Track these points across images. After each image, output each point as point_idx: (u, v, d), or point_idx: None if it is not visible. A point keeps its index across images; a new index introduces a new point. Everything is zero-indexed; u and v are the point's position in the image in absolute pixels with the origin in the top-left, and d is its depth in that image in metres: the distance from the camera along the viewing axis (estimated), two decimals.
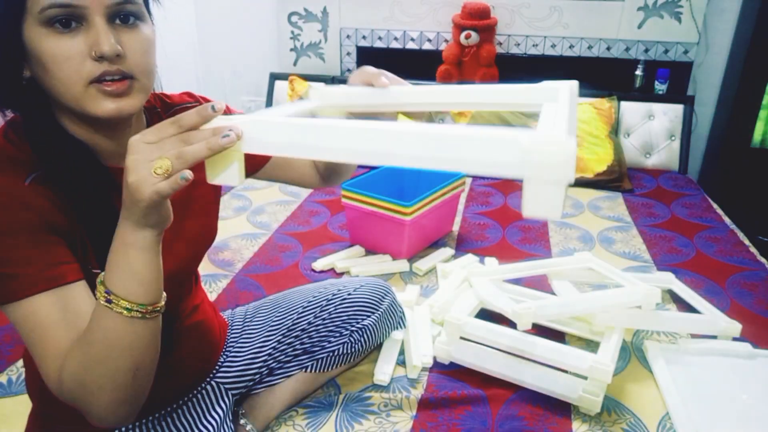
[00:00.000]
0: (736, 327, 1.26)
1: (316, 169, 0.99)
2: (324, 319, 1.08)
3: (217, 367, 1.00)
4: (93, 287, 0.67)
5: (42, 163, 0.66)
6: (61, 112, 0.69)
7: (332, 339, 1.07)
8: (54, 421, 0.82)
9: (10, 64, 0.65)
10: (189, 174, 0.56)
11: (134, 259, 0.61)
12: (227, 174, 0.62)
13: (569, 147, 0.48)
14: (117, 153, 0.73)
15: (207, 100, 0.88)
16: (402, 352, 1.20)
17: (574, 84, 0.71)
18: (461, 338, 1.17)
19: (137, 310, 0.61)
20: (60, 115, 0.69)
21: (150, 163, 0.56)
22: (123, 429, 0.84)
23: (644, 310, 1.20)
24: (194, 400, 0.94)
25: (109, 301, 0.61)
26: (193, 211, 0.84)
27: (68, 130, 0.69)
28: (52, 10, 0.60)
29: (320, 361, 1.07)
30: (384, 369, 1.13)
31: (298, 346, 1.07)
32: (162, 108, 0.84)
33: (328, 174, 1.00)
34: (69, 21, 0.62)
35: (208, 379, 0.98)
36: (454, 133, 0.52)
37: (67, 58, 0.62)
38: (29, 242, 0.64)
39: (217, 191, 0.91)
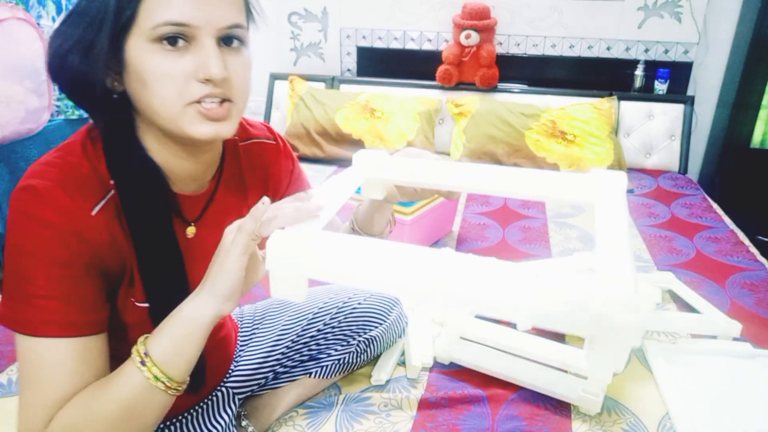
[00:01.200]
0: (736, 327, 1.26)
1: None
2: (333, 328, 1.07)
3: (228, 374, 1.00)
4: (131, 316, 0.68)
5: (114, 185, 0.65)
6: (145, 128, 0.67)
7: (339, 347, 1.08)
8: None
9: (105, 75, 0.63)
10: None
11: (189, 337, 0.62)
12: (293, 290, 0.61)
13: (641, 315, 0.46)
14: (189, 176, 0.72)
15: (282, 139, 0.90)
16: (402, 352, 1.20)
17: (622, 177, 0.70)
18: (461, 338, 1.17)
19: (163, 382, 0.61)
20: (143, 132, 0.68)
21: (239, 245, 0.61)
22: None
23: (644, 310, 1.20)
24: (204, 405, 0.94)
25: (142, 363, 0.61)
26: None
27: (146, 148, 0.68)
28: (165, 28, 0.59)
29: (325, 367, 1.07)
30: (383, 370, 1.13)
31: (305, 353, 1.07)
32: (240, 136, 0.83)
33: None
34: (176, 39, 0.60)
35: (219, 386, 0.98)
36: (523, 297, 0.52)
37: (171, 77, 0.61)
38: (75, 280, 0.62)
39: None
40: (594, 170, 0.72)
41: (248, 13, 0.68)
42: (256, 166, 0.83)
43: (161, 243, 0.68)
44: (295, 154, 0.93)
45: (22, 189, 0.61)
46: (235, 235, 0.60)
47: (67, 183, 0.62)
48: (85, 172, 0.64)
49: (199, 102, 0.62)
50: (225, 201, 0.78)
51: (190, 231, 0.74)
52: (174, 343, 0.61)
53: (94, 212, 0.63)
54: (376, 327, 1.10)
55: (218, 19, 0.61)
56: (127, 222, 0.66)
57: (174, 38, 0.60)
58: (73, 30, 0.61)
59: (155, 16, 0.59)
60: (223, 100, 0.64)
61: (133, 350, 0.62)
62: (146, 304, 0.69)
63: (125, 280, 0.68)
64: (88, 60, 0.61)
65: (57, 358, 0.61)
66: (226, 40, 0.64)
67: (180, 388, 0.63)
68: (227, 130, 0.65)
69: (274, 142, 0.88)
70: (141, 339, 0.63)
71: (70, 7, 0.62)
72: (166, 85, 0.61)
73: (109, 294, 0.68)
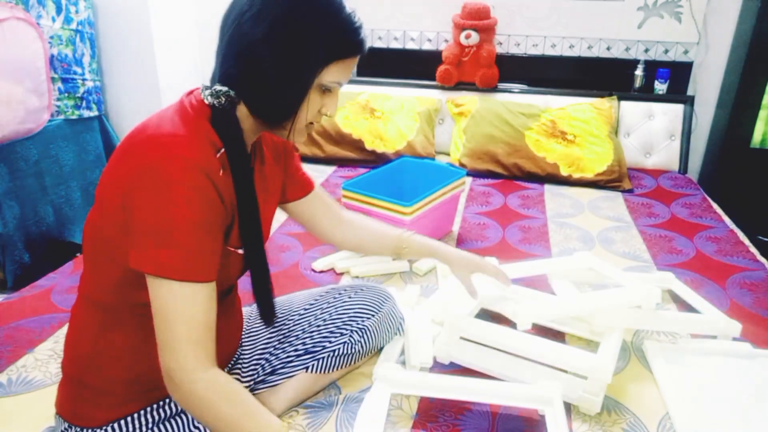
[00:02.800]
0: (736, 327, 1.26)
1: (340, 233, 1.14)
2: (325, 320, 1.10)
3: (237, 355, 1.04)
4: (222, 257, 0.80)
5: (227, 152, 0.79)
6: (243, 113, 0.83)
7: (333, 339, 1.08)
8: (83, 389, 0.86)
9: (294, 98, 0.81)
10: None
11: None
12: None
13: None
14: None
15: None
16: (402, 353, 1.20)
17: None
18: (461, 338, 1.17)
19: None
20: (240, 114, 0.83)
21: None
22: (150, 420, 0.87)
23: (644, 310, 1.20)
24: None
25: None
26: (268, 205, 0.97)
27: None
28: (331, 84, 0.82)
29: (321, 360, 1.07)
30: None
31: (299, 347, 1.08)
32: None
33: (350, 244, 1.16)
34: (329, 90, 0.83)
35: (227, 369, 1.00)
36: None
37: (315, 109, 0.83)
38: (212, 233, 0.76)
39: (276, 198, 1.03)
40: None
41: None
42: (267, 141, 0.99)
43: (253, 198, 0.83)
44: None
45: (171, 158, 0.72)
46: None
47: (201, 148, 0.76)
48: (201, 136, 0.78)
49: (312, 124, 0.86)
50: (257, 168, 0.93)
51: None
52: None
53: (221, 173, 0.77)
54: (369, 318, 1.12)
55: (350, 75, 0.85)
56: (234, 179, 0.80)
57: (330, 89, 0.83)
58: (286, 58, 0.78)
59: (330, 78, 0.81)
60: None
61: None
62: (239, 250, 0.85)
63: (230, 226, 0.81)
64: (289, 77, 0.79)
65: (197, 301, 0.74)
66: None
67: None
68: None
69: None
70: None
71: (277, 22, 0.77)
72: (310, 113, 0.83)
73: None
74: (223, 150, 0.79)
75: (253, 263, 0.86)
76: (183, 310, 0.73)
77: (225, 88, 0.80)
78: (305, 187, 1.08)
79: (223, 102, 0.80)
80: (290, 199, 1.07)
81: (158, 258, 0.72)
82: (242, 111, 0.83)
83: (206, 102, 0.81)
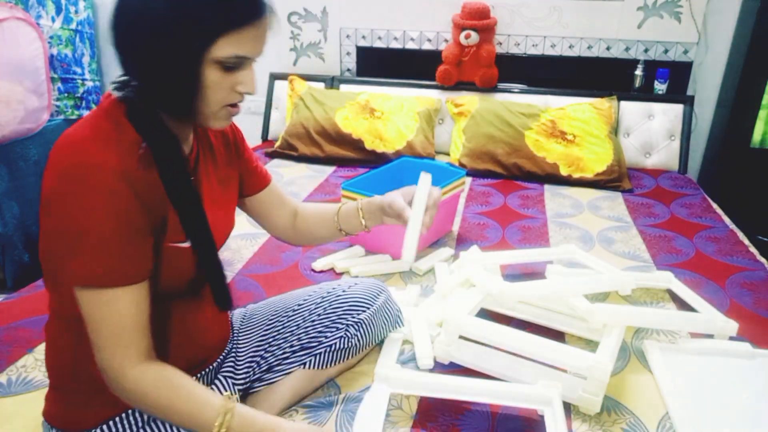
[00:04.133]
0: (732, 326, 1.26)
1: (293, 226, 1.13)
2: (319, 315, 1.09)
3: (225, 353, 1.03)
4: (167, 255, 0.80)
5: (145, 146, 0.76)
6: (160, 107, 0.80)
7: (329, 334, 1.08)
8: (73, 398, 0.86)
9: (184, 80, 0.75)
10: None
11: None
12: None
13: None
14: (184, 141, 0.86)
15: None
16: (402, 353, 1.20)
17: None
18: (461, 338, 1.17)
19: None
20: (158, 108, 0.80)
21: None
22: (138, 420, 0.86)
23: (642, 309, 1.20)
24: None
25: (220, 428, 0.77)
26: (221, 202, 0.95)
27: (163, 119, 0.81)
28: (231, 59, 0.75)
29: (318, 356, 1.07)
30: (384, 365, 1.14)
31: (294, 343, 1.08)
32: None
33: (302, 235, 1.14)
34: (234, 66, 0.77)
35: (215, 369, 1.00)
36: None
37: (222, 89, 0.77)
38: (128, 236, 0.74)
39: (235, 190, 1.02)
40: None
41: None
42: (218, 132, 0.98)
43: (189, 188, 0.81)
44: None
45: (79, 164, 0.70)
46: None
47: (114, 149, 0.73)
48: (116, 137, 0.75)
49: (230, 105, 0.80)
50: (204, 160, 0.92)
51: None
52: None
53: (139, 170, 0.74)
54: (364, 311, 1.11)
55: (262, 51, 0.79)
56: (161, 172, 0.77)
57: (234, 66, 0.76)
58: (161, 53, 0.73)
59: (227, 50, 0.74)
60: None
61: (221, 414, 0.77)
62: (184, 244, 0.82)
63: (161, 227, 0.79)
64: (171, 75, 0.74)
65: (120, 305, 0.74)
66: None
67: None
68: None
69: None
70: (229, 406, 0.78)
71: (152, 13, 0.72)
72: (216, 95, 0.77)
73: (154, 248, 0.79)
74: (144, 145, 0.76)
75: (200, 255, 0.84)
76: (106, 315, 0.74)
77: (126, 78, 0.78)
78: (262, 180, 1.07)
79: (129, 94, 0.77)
80: (247, 194, 1.06)
81: (73, 269, 0.72)
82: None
83: (116, 96, 0.78)
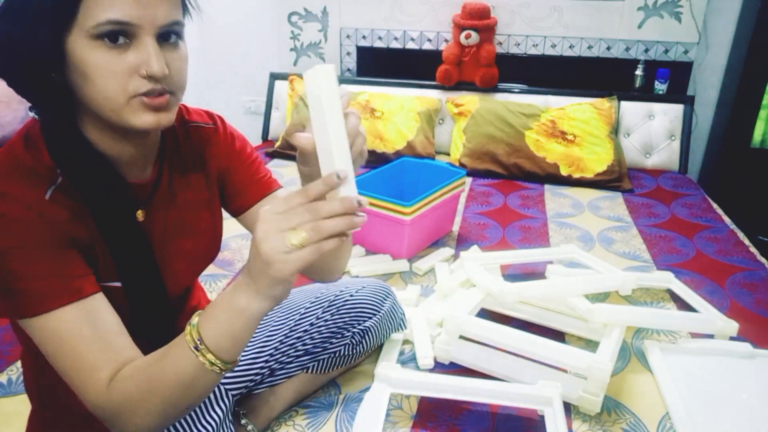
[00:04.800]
0: (733, 326, 1.26)
1: None
2: (326, 321, 1.07)
3: None
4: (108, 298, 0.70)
5: (62, 172, 0.67)
6: (86, 119, 0.69)
7: (334, 340, 1.07)
8: (53, 423, 0.83)
9: (44, 69, 0.64)
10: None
11: (240, 325, 0.63)
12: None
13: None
14: (130, 162, 0.75)
15: (223, 121, 0.91)
16: (402, 353, 1.20)
17: None
18: (461, 338, 1.17)
19: (219, 366, 0.64)
20: (84, 123, 0.70)
21: (283, 233, 0.57)
22: None
23: (642, 308, 1.20)
24: None
25: (197, 348, 0.63)
26: (194, 231, 0.85)
27: (89, 138, 0.70)
28: (106, 26, 0.61)
29: (321, 362, 1.07)
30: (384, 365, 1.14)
31: (299, 347, 1.06)
32: (178, 122, 0.84)
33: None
34: (117, 37, 0.62)
35: None
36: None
37: (114, 73, 0.63)
38: (48, 257, 0.65)
39: (218, 213, 0.91)
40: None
41: (185, 8, 0.71)
42: (195, 150, 0.86)
43: (124, 227, 0.72)
44: (240, 134, 0.94)
45: None
46: (296, 251, 0.58)
47: (15, 174, 0.65)
48: (28, 164, 0.66)
49: (143, 95, 0.65)
50: (171, 185, 0.81)
51: (140, 214, 0.77)
52: (229, 333, 0.63)
53: (47, 196, 0.66)
54: (370, 318, 1.10)
55: (158, 17, 0.64)
56: (86, 203, 0.68)
57: (115, 36, 0.62)
58: (12, 25, 0.62)
59: (96, 15, 0.60)
60: (164, 92, 0.66)
61: (186, 335, 0.64)
62: (117, 283, 0.73)
63: (96, 256, 0.71)
64: (29, 53, 0.63)
65: (68, 326, 0.65)
66: (165, 36, 0.66)
67: (232, 367, 0.66)
68: (168, 119, 0.68)
69: (212, 126, 0.88)
70: (194, 321, 0.64)
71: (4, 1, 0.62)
72: (110, 81, 0.63)
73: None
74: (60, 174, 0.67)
75: (134, 295, 0.73)
76: (58, 343, 0.65)
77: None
78: (263, 189, 0.91)
79: (44, 112, 0.68)
80: (246, 204, 0.91)
81: (4, 306, 0.66)
82: (86, 118, 0.69)
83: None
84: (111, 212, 0.71)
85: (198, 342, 0.63)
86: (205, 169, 0.87)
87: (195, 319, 0.65)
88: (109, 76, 0.63)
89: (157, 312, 0.79)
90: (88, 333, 0.65)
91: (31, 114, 0.70)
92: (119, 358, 0.67)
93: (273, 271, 0.58)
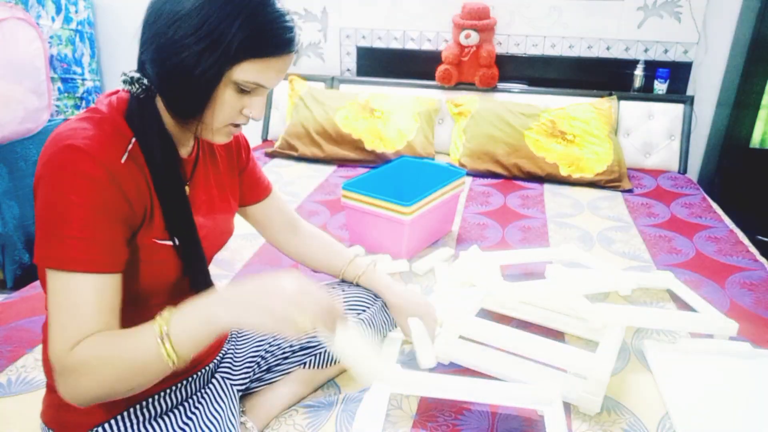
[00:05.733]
0: (732, 326, 1.26)
1: (290, 242, 1.18)
2: None
3: (222, 354, 1.02)
4: (150, 251, 0.80)
5: (136, 141, 0.77)
6: (162, 107, 0.81)
7: None
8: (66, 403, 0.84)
9: (200, 91, 0.76)
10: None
11: (207, 334, 0.72)
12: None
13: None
14: (184, 144, 0.88)
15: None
16: (402, 353, 1.20)
17: None
18: (461, 338, 1.17)
19: (173, 359, 0.70)
20: (160, 104, 0.81)
21: (314, 314, 0.73)
22: (135, 421, 0.85)
23: (641, 308, 1.20)
24: (202, 392, 0.95)
25: (162, 339, 0.70)
26: (216, 209, 0.95)
27: (162, 117, 0.82)
28: (250, 85, 0.77)
29: (318, 356, 1.07)
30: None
31: (294, 342, 1.07)
32: None
33: (299, 258, 1.21)
34: (248, 90, 0.78)
35: (212, 369, 0.99)
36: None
37: (232, 109, 0.79)
38: (101, 225, 0.72)
39: (236, 197, 1.03)
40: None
41: None
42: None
43: (178, 190, 0.82)
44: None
45: (63, 148, 0.71)
46: (295, 322, 0.72)
47: (100, 138, 0.73)
48: (111, 126, 0.76)
49: (235, 125, 0.82)
50: (204, 165, 0.93)
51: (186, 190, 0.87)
52: (193, 335, 0.71)
53: (123, 160, 0.75)
54: (365, 310, 1.12)
55: (281, 78, 0.80)
56: (150, 171, 0.78)
57: (249, 90, 0.78)
58: (193, 44, 0.73)
59: (248, 75, 0.76)
60: None
61: (156, 324, 0.71)
62: (167, 242, 0.82)
63: (145, 222, 0.79)
64: (193, 70, 0.74)
65: (82, 291, 0.71)
66: None
67: (181, 365, 0.72)
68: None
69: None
70: (165, 315, 0.72)
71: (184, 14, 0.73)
72: (225, 114, 0.79)
73: (130, 241, 0.78)
74: (134, 140, 0.77)
75: (184, 254, 0.84)
76: (64, 300, 0.71)
77: (138, 75, 0.78)
78: (263, 190, 1.10)
79: (137, 90, 0.78)
80: (247, 203, 1.09)
81: (43, 249, 0.71)
82: (162, 103, 0.81)
83: (123, 89, 0.80)
84: (169, 183, 0.80)
85: (165, 334, 0.70)
86: (229, 154, 1.00)
87: (166, 313, 0.72)
88: (226, 110, 0.78)
89: (199, 269, 0.88)
90: (90, 301, 0.71)
91: (123, 86, 0.80)
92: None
93: (266, 322, 0.71)
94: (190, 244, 0.84)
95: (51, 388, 0.87)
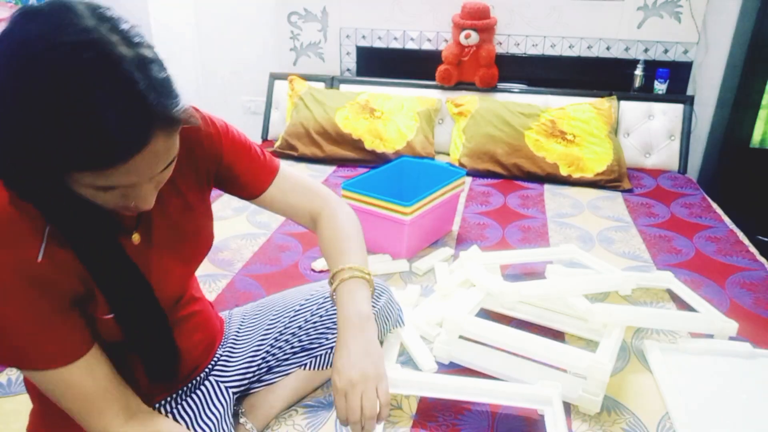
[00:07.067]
0: (732, 326, 1.26)
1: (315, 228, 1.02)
2: (321, 317, 1.08)
3: (215, 360, 1.00)
4: (101, 329, 0.75)
5: (53, 226, 0.67)
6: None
7: (330, 336, 1.07)
8: (53, 422, 0.83)
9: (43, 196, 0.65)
10: None
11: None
12: None
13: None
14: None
15: (201, 113, 0.85)
16: (402, 352, 1.20)
17: None
18: (461, 338, 1.17)
19: None
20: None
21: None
22: None
23: (641, 308, 1.20)
24: (193, 396, 0.94)
25: None
26: (185, 233, 0.86)
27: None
28: (90, 192, 0.62)
29: (318, 358, 1.07)
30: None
31: (295, 344, 1.07)
32: None
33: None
34: (114, 188, 0.63)
35: (205, 373, 0.98)
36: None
37: (104, 201, 0.64)
38: (52, 318, 0.69)
39: (208, 207, 0.92)
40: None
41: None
42: (182, 154, 0.75)
43: (112, 260, 0.73)
44: (220, 119, 0.91)
45: None
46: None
47: (5, 242, 0.65)
48: (21, 227, 0.66)
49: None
50: (160, 196, 0.76)
51: (135, 238, 0.79)
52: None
53: (39, 258, 0.66)
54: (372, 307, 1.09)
55: (153, 171, 0.64)
56: (75, 252, 0.69)
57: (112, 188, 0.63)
58: (20, 152, 0.59)
59: (88, 183, 0.61)
60: None
61: None
62: (110, 315, 0.75)
63: (92, 296, 0.73)
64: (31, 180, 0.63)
65: (73, 380, 0.71)
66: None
67: None
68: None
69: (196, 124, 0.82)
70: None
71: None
72: (98, 201, 0.65)
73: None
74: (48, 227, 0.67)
75: (128, 331, 0.77)
76: (63, 391, 0.72)
77: None
78: (262, 182, 0.95)
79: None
80: (246, 195, 0.96)
81: (9, 361, 0.71)
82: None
83: None
84: (99, 252, 0.72)
85: None
86: (194, 169, 0.86)
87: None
88: (99, 201, 0.64)
89: (153, 332, 0.81)
90: (91, 384, 0.72)
91: None
92: (121, 404, 0.75)
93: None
94: (137, 311, 0.77)
95: (39, 406, 0.86)
